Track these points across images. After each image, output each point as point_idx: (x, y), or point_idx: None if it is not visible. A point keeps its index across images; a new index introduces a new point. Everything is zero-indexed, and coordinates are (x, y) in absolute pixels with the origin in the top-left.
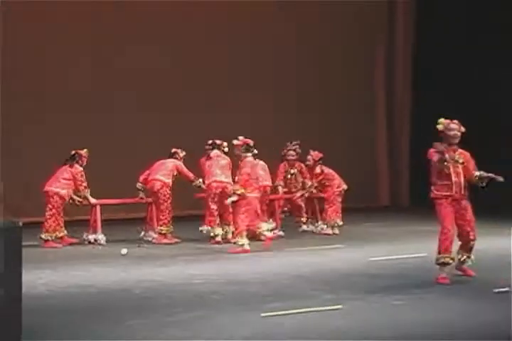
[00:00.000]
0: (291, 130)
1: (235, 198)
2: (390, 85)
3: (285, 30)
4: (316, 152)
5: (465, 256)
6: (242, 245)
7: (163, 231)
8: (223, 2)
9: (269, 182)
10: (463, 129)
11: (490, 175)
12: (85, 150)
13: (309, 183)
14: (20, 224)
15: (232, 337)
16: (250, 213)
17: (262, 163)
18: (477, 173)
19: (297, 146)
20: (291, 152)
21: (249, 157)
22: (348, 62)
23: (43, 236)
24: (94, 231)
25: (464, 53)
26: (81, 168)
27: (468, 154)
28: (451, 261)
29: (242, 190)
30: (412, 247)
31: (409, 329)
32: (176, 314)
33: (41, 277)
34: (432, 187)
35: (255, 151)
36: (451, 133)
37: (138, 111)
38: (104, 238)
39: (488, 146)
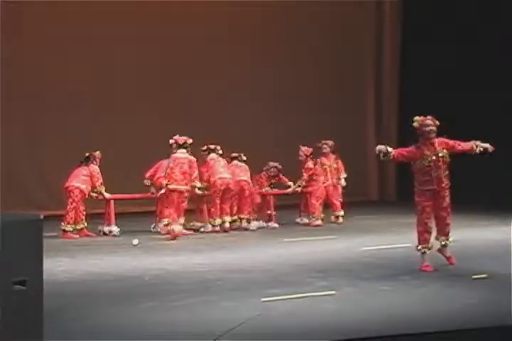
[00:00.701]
0: (280, 128)
1: (162, 191)
2: (378, 83)
3: (275, 31)
4: (306, 147)
5: (445, 240)
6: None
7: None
8: (220, 3)
9: (244, 178)
10: (437, 123)
11: (485, 145)
12: (98, 152)
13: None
14: (41, 217)
15: (235, 319)
16: (171, 204)
17: (222, 160)
18: (474, 145)
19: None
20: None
21: (176, 153)
22: (337, 62)
23: (63, 227)
24: (109, 224)
25: (451, 51)
26: (97, 167)
27: (445, 139)
28: (428, 251)
29: (166, 182)
30: (400, 238)
31: (394, 311)
32: (183, 299)
33: (60, 265)
34: (415, 183)
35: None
36: (427, 129)
37: (139, 112)
38: (118, 230)
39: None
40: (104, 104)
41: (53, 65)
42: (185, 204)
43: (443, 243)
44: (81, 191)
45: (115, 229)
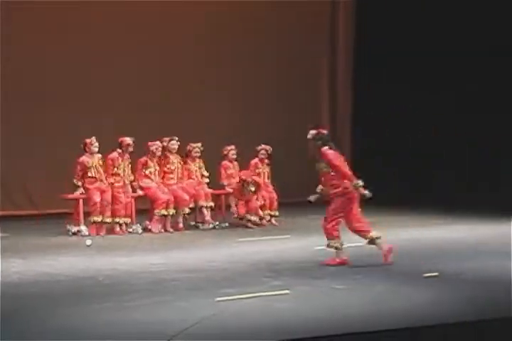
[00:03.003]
0: (242, 127)
1: None
2: (332, 86)
3: (235, 29)
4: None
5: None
6: None
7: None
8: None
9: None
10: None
11: (365, 192)
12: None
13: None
14: None
15: (189, 319)
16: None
17: None
18: (354, 183)
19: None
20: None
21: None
22: (292, 61)
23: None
24: (77, 224)
25: (404, 48)
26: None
27: (325, 154)
28: (340, 246)
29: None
30: (353, 237)
31: (348, 310)
32: (137, 299)
33: (13, 266)
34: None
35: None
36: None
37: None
38: (87, 229)
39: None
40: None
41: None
42: None
43: (372, 239)
44: None
45: (84, 228)
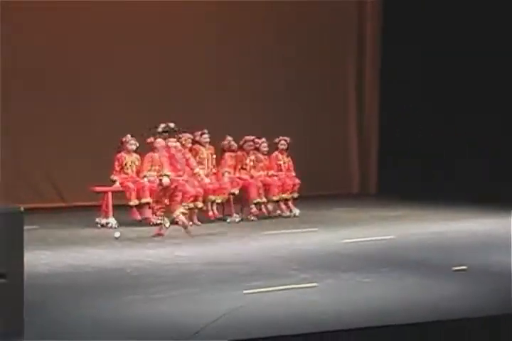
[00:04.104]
0: (265, 121)
1: None
2: (359, 76)
3: (265, 30)
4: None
5: None
6: None
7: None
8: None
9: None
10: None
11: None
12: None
13: None
14: (22, 209)
15: (216, 311)
16: None
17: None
18: None
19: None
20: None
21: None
22: (318, 60)
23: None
24: (106, 216)
25: (431, 48)
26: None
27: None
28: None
29: None
30: (381, 230)
31: (373, 303)
32: (165, 291)
33: (42, 258)
34: None
35: None
36: None
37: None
38: (115, 222)
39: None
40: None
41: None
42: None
43: None
44: None
45: (112, 220)
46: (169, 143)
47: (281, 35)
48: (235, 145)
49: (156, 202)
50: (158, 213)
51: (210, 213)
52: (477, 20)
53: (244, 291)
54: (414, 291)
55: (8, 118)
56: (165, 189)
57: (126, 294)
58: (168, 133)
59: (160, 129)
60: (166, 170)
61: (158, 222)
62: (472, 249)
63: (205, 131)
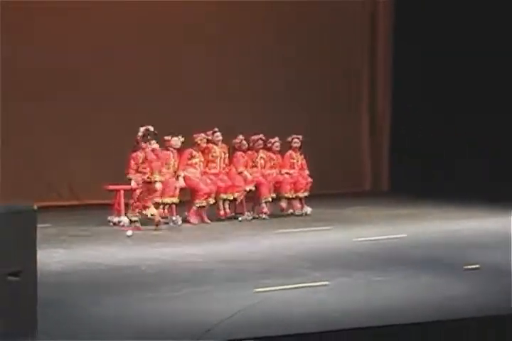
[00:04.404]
0: (278, 119)
1: None
2: (372, 76)
3: (272, 29)
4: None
5: None
6: None
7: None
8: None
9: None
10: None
11: None
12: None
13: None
14: (35, 207)
15: (229, 309)
16: None
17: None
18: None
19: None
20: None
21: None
22: (331, 58)
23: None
24: (118, 214)
25: (444, 50)
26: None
27: None
28: None
29: None
30: (394, 229)
31: (386, 301)
32: (178, 289)
33: (55, 256)
34: None
35: None
36: None
37: (141, 105)
38: (128, 220)
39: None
40: (105, 95)
41: (52, 57)
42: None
43: None
44: None
45: (124, 219)
46: (154, 146)
47: (292, 33)
48: (245, 144)
49: (138, 200)
50: (137, 210)
51: (222, 212)
52: (485, 20)
53: (256, 290)
54: (425, 290)
55: (21, 117)
56: (149, 190)
57: (139, 292)
58: (149, 135)
59: (141, 133)
60: (157, 175)
61: (134, 219)
62: (484, 248)
63: (216, 129)
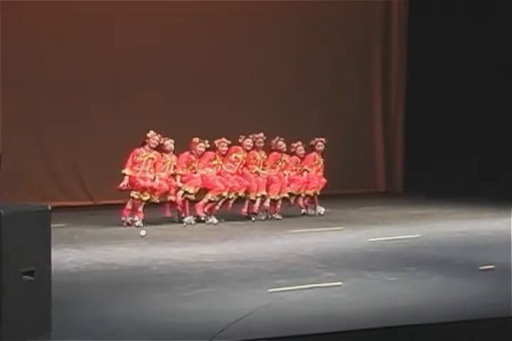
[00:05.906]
0: (290, 120)
1: None
2: (385, 75)
3: (284, 28)
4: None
5: None
6: None
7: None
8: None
9: None
10: None
11: None
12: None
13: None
14: (49, 207)
15: (242, 309)
16: None
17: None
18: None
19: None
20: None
21: None
22: (345, 53)
23: None
24: (132, 214)
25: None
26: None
27: None
28: None
29: None
30: (407, 229)
31: (400, 302)
32: (191, 289)
33: (68, 255)
34: None
35: None
36: None
37: (142, 104)
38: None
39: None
40: (109, 93)
41: (53, 55)
42: None
43: None
44: None
45: (137, 218)
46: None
47: (310, 29)
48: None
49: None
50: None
51: (244, 210)
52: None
53: (270, 290)
54: (439, 290)
55: (34, 116)
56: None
57: (153, 292)
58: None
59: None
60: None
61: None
62: (498, 248)
63: (261, 134)
